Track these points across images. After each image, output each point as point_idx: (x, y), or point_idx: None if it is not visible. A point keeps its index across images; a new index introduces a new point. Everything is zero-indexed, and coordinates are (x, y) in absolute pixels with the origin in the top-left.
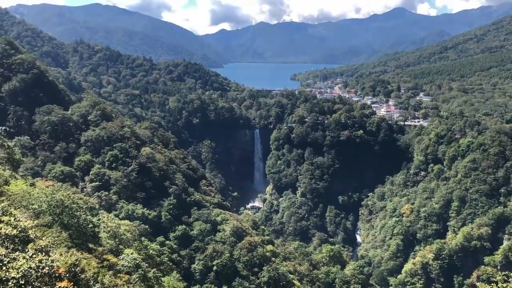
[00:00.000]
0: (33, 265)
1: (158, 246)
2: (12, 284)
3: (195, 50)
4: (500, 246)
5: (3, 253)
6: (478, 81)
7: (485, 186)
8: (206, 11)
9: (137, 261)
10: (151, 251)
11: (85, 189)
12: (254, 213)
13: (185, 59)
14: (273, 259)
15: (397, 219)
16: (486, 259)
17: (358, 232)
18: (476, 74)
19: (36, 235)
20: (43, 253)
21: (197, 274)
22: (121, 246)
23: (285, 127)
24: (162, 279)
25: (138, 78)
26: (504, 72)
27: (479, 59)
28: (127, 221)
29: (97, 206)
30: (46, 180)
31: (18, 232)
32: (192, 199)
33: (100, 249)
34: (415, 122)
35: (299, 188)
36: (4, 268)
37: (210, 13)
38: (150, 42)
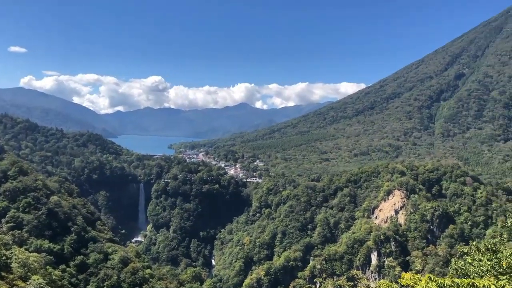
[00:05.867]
0: None
1: (60, 273)
2: None
3: (97, 124)
4: (308, 265)
5: None
6: (294, 153)
7: (298, 223)
8: (106, 97)
9: (42, 285)
10: (54, 277)
11: (1, 229)
12: (138, 246)
13: (89, 131)
14: (150, 279)
15: (240, 247)
16: (299, 274)
17: (213, 257)
18: (292, 148)
19: None
20: None
21: None
22: (29, 273)
23: (163, 182)
24: None
25: (51, 143)
26: (310, 148)
27: (294, 139)
28: (35, 254)
29: (10, 242)
30: None
31: None
32: (90, 235)
33: (11, 276)
34: (253, 179)
35: (171, 226)
36: None
37: (109, 98)
38: (62, 118)
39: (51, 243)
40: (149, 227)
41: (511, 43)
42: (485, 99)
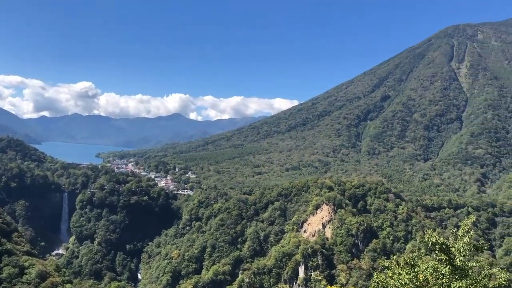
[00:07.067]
0: None
1: None
2: None
3: (18, 129)
4: (236, 278)
5: None
6: (227, 166)
7: (229, 236)
8: (30, 101)
9: None
10: None
11: None
12: (58, 259)
13: (9, 136)
14: None
15: (168, 261)
16: (227, 287)
17: (140, 271)
18: (225, 161)
19: None
20: None
21: None
22: None
23: (89, 192)
24: None
25: None
26: (243, 161)
27: (228, 151)
28: None
29: None
30: None
31: None
32: (4, 248)
33: None
34: (184, 191)
35: (96, 239)
36: None
37: (34, 103)
38: None
39: None
40: (71, 239)
41: (432, 69)
42: (407, 120)
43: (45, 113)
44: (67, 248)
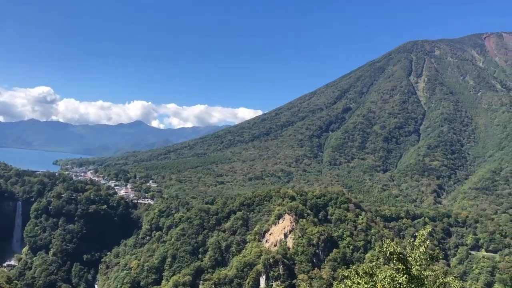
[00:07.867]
0: None
1: None
2: None
3: None
4: None
5: None
6: (189, 175)
7: (190, 246)
8: None
9: None
10: None
11: None
12: (10, 270)
13: None
14: None
15: (127, 271)
16: None
17: (97, 282)
18: (188, 170)
19: None
20: None
21: None
22: None
23: (45, 201)
24: None
25: None
26: (206, 170)
27: (191, 160)
28: None
29: None
30: None
31: None
32: None
33: None
34: (145, 201)
35: (51, 249)
36: None
37: None
38: None
39: None
40: (24, 249)
41: (391, 83)
42: (368, 132)
43: None
44: (19, 259)
